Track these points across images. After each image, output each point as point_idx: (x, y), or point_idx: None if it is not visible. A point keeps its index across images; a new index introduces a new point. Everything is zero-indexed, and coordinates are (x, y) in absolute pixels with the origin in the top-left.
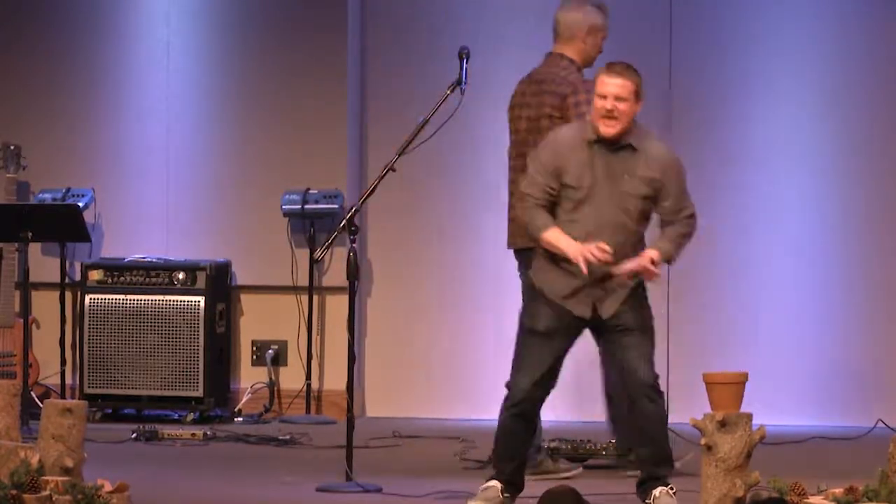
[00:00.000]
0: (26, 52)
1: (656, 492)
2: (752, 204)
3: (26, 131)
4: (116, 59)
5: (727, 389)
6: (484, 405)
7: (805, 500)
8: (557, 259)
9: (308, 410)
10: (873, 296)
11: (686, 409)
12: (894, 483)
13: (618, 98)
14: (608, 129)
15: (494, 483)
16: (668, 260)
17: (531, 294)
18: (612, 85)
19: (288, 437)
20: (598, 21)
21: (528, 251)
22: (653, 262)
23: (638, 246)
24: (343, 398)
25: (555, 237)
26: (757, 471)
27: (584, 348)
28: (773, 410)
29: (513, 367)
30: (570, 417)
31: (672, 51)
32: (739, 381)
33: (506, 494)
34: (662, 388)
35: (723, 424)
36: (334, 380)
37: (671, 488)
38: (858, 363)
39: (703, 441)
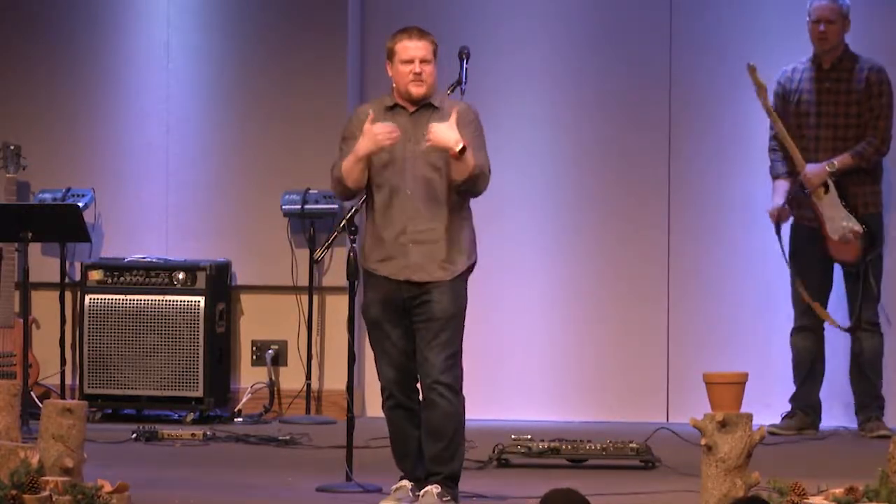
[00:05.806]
0: (26, 52)
1: (428, 488)
2: (752, 203)
3: (26, 131)
4: (116, 58)
5: (727, 389)
6: (483, 404)
7: (805, 500)
8: (375, 229)
9: (308, 410)
10: None
11: (686, 409)
12: (894, 483)
13: (423, 60)
14: (419, 89)
15: (404, 483)
16: (469, 163)
17: (364, 283)
18: (415, 48)
19: (288, 437)
20: None
21: None
22: (457, 145)
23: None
24: (343, 398)
25: (348, 158)
26: (757, 471)
27: (584, 349)
28: (773, 410)
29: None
30: (571, 417)
31: (672, 51)
32: (739, 381)
33: (417, 493)
34: (661, 387)
35: (723, 424)
36: (334, 380)
37: (442, 493)
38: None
39: (703, 441)
